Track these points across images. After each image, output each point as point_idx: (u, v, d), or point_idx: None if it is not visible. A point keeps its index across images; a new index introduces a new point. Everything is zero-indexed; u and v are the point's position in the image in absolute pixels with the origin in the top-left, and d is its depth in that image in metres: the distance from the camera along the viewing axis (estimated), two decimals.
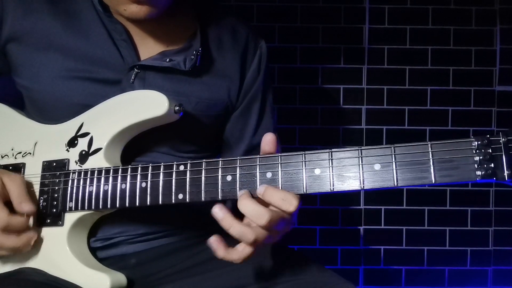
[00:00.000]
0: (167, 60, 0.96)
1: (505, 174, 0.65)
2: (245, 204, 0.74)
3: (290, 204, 0.73)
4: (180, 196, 0.80)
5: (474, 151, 0.66)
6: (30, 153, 0.95)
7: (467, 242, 1.93)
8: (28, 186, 0.92)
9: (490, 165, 0.65)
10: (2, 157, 0.98)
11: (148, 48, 0.99)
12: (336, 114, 1.94)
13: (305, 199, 0.81)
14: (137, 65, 0.96)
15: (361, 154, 0.71)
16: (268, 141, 0.78)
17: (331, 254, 1.94)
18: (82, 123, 0.93)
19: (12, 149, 0.97)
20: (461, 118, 1.93)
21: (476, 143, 0.66)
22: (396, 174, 0.69)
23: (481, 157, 0.66)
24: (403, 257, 1.94)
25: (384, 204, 1.94)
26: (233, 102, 1.06)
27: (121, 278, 0.90)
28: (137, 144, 0.95)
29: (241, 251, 0.76)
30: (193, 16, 1.04)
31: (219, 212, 0.74)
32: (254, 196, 0.76)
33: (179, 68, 0.96)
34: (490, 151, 0.65)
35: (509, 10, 1.90)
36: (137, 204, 0.83)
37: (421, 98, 1.93)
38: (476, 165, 0.66)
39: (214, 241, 0.76)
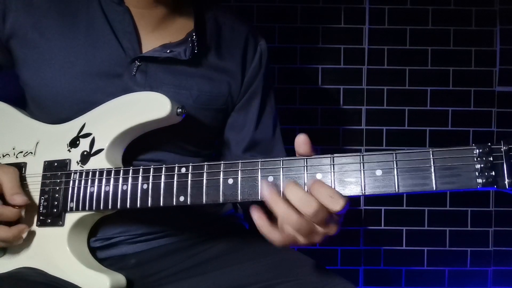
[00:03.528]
0: (168, 51, 0.97)
1: (506, 182, 0.65)
2: (293, 190, 0.70)
3: (337, 203, 0.68)
4: (182, 198, 0.80)
5: (475, 159, 0.66)
6: (31, 153, 0.95)
7: (467, 243, 1.93)
8: (22, 179, 0.92)
9: (491, 173, 0.65)
10: (3, 156, 0.98)
11: (151, 42, 0.99)
12: (336, 115, 1.94)
13: None
14: (139, 57, 0.96)
15: (363, 160, 0.71)
16: (301, 142, 0.75)
17: (331, 254, 1.94)
18: (84, 124, 0.93)
19: (14, 148, 0.97)
20: (461, 119, 1.93)
21: (477, 151, 0.66)
22: (398, 180, 0.69)
23: (482, 165, 0.65)
24: (403, 257, 1.94)
25: (384, 205, 1.94)
26: (234, 98, 1.06)
27: (121, 279, 0.90)
28: (140, 143, 0.95)
29: (284, 235, 0.71)
30: (193, 13, 1.05)
31: (266, 188, 0.72)
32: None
33: (179, 57, 0.97)
34: (491, 159, 0.65)
35: (509, 10, 1.90)
36: (138, 205, 0.83)
37: (421, 98, 1.94)
38: (477, 173, 0.66)
39: (257, 215, 0.72)
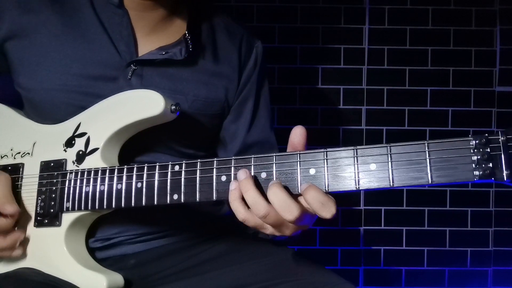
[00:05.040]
0: (164, 53, 0.96)
1: (504, 174, 0.62)
2: (275, 193, 0.68)
3: (328, 211, 0.67)
4: (175, 196, 0.79)
5: (472, 151, 0.64)
6: (28, 153, 0.95)
7: (467, 243, 1.93)
8: (14, 186, 0.92)
9: (489, 165, 0.63)
10: (1, 157, 0.98)
11: (147, 45, 0.99)
12: (336, 115, 1.94)
13: None
14: (135, 61, 0.96)
15: (357, 154, 0.69)
16: (298, 133, 0.73)
17: (331, 255, 1.94)
18: (80, 123, 0.93)
19: (11, 149, 0.97)
20: (461, 119, 1.93)
21: (474, 142, 0.64)
22: (392, 174, 0.67)
23: (479, 157, 0.63)
24: (403, 257, 1.94)
25: (384, 205, 1.94)
26: (230, 103, 1.06)
27: (118, 278, 0.90)
28: (136, 144, 0.95)
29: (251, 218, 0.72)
30: (188, 16, 1.05)
31: (241, 173, 0.72)
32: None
33: (175, 58, 0.97)
34: (489, 150, 0.63)
35: (509, 10, 1.90)
36: (132, 204, 0.83)
37: (421, 98, 1.93)
38: (474, 165, 0.63)
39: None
